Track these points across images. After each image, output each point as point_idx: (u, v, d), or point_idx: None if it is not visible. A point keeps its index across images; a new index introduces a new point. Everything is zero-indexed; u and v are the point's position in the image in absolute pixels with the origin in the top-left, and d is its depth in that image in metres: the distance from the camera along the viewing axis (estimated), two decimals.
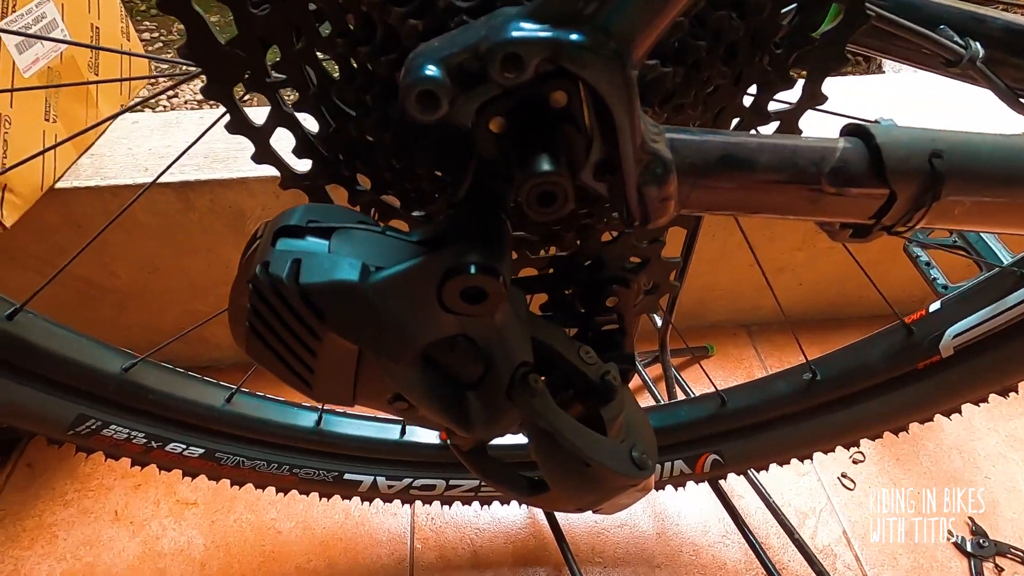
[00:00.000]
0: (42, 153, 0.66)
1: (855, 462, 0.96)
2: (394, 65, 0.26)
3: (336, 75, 0.28)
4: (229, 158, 0.79)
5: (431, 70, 0.19)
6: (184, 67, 0.37)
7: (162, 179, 0.77)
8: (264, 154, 0.31)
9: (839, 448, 0.64)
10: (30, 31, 0.68)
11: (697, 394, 0.78)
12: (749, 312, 1.16)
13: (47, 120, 0.73)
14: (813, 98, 0.30)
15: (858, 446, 0.63)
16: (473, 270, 0.24)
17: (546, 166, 0.21)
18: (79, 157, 0.79)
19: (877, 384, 0.58)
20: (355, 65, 0.27)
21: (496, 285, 0.24)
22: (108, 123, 0.84)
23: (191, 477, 0.62)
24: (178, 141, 0.82)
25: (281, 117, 0.29)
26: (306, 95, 0.28)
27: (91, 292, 0.88)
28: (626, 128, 0.20)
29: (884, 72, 1.32)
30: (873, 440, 0.63)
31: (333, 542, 0.86)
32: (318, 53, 0.26)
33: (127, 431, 0.55)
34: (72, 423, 0.52)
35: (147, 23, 1.62)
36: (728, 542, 0.87)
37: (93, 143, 0.81)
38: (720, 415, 0.65)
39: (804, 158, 0.22)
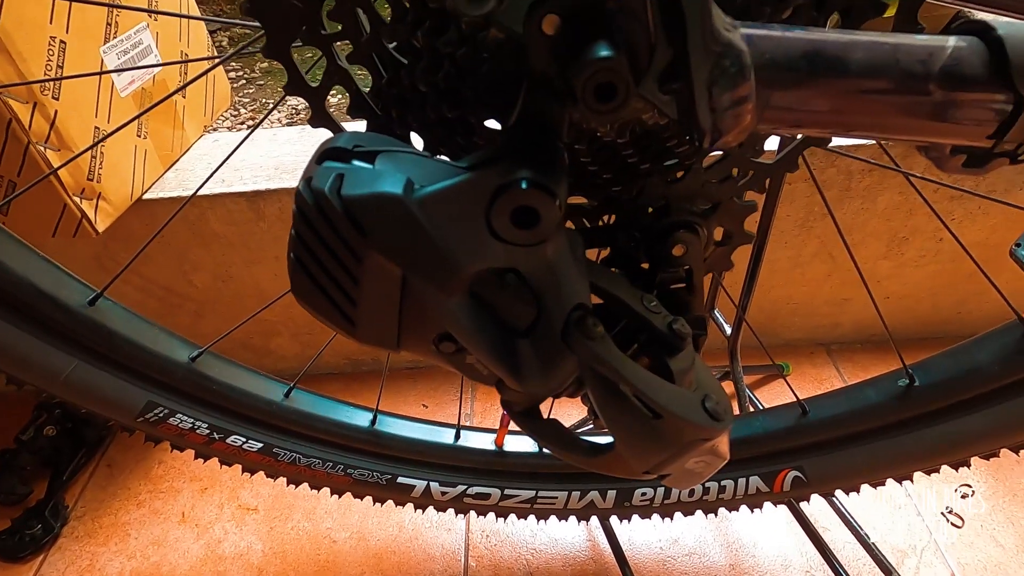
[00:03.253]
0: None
1: (963, 496, 0.85)
2: None
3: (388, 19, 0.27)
4: (296, 168, 0.83)
5: None
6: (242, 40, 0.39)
7: (235, 189, 0.81)
8: (320, 117, 0.31)
9: (943, 481, 0.56)
10: (128, 55, 0.75)
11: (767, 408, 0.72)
12: (827, 329, 1.08)
13: (139, 136, 0.79)
14: (909, 25, 0.26)
15: (968, 465, 0.55)
16: (524, 186, 0.22)
17: (604, 52, 0.19)
18: (165, 171, 0.85)
19: (990, 391, 0.50)
20: (407, 3, 0.27)
21: (550, 204, 0.22)
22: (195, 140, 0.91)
23: (250, 473, 0.63)
24: (252, 155, 0.87)
25: (335, 72, 0.29)
26: (360, 43, 0.28)
27: (172, 300, 0.94)
28: (695, 8, 0.18)
29: None
30: (987, 459, 0.55)
31: (387, 555, 0.84)
32: None
33: (191, 420, 0.56)
34: (142, 410, 0.54)
35: (233, 63, 1.77)
36: None
37: (178, 159, 0.87)
38: (801, 426, 0.59)
39: (907, 56, 0.19)
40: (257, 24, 0.28)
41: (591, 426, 0.83)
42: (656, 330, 0.28)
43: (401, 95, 0.29)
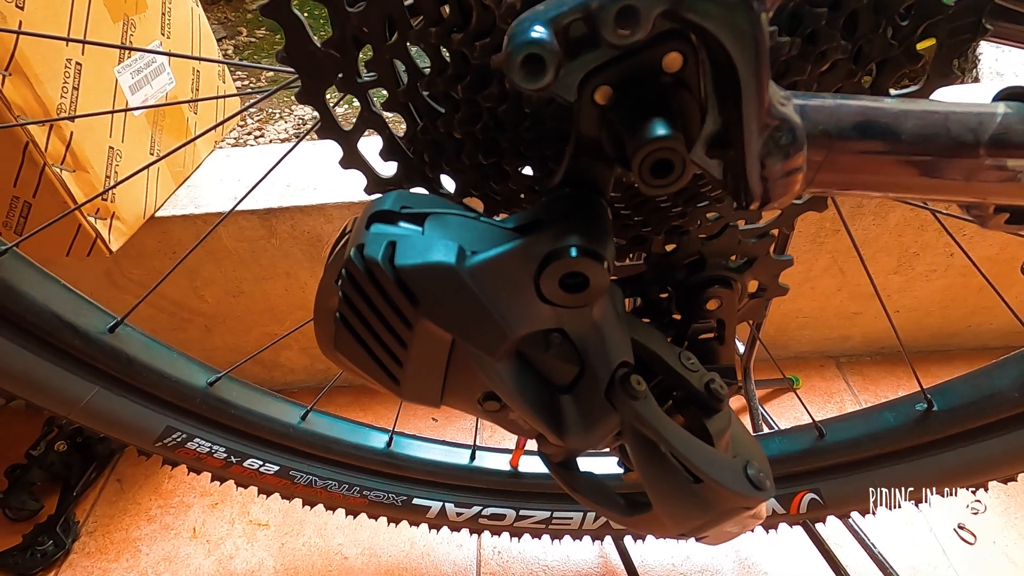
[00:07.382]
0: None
1: (974, 512, 0.85)
2: (489, 50, 0.25)
3: (426, 71, 0.28)
4: (308, 186, 0.83)
5: (538, 32, 0.18)
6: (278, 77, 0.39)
7: (248, 206, 0.81)
8: (352, 159, 0.31)
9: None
10: (142, 74, 0.75)
11: (783, 429, 0.72)
12: (837, 342, 1.08)
13: (151, 154, 0.79)
14: (943, 76, 0.26)
15: (986, 489, 0.55)
16: (574, 253, 0.22)
17: (661, 131, 0.19)
18: (177, 188, 0.85)
19: (1009, 417, 0.50)
20: (447, 56, 0.27)
21: (599, 271, 0.22)
22: (205, 157, 0.91)
23: (266, 495, 0.63)
24: (263, 173, 0.87)
25: (369, 119, 0.30)
26: (396, 92, 0.28)
27: (183, 315, 0.93)
28: (751, 87, 0.18)
29: (980, 82, 1.22)
30: (1005, 483, 0.55)
31: (398, 571, 0.84)
32: (410, 47, 0.26)
33: (209, 445, 0.56)
34: (160, 435, 0.54)
35: (240, 72, 1.77)
36: None
37: (190, 175, 0.87)
38: (818, 449, 0.59)
39: (958, 124, 0.19)
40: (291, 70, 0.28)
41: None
42: (693, 390, 0.28)
43: (435, 141, 0.30)
